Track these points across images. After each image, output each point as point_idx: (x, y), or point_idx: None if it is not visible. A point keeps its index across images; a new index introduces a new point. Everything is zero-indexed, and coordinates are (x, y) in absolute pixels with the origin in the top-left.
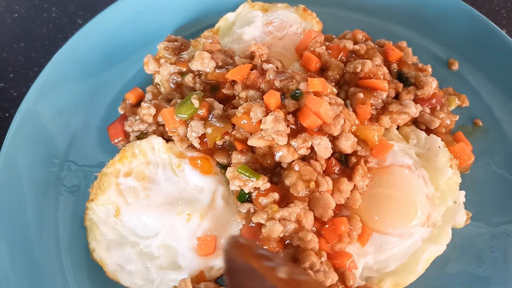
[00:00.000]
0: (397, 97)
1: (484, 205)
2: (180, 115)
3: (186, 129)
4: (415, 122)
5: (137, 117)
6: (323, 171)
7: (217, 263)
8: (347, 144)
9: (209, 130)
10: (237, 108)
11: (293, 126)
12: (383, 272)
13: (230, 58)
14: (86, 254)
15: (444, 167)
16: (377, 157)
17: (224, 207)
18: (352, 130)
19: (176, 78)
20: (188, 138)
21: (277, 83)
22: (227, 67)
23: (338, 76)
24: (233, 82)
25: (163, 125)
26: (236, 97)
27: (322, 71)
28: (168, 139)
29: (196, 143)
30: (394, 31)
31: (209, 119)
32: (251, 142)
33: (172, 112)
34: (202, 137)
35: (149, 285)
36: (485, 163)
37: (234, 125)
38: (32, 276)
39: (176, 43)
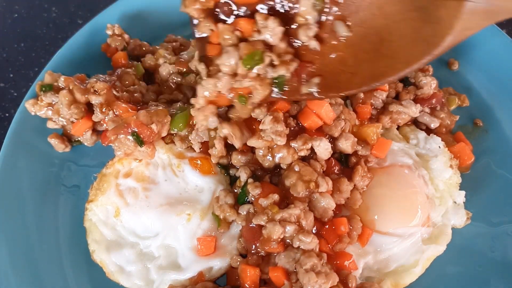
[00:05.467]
0: (397, 97)
1: (484, 205)
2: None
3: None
4: (415, 122)
5: None
6: (323, 171)
7: (217, 263)
8: (347, 144)
9: (212, 133)
10: None
11: (294, 127)
12: (383, 272)
13: None
14: (86, 254)
15: (444, 167)
16: (377, 155)
17: None
18: (353, 130)
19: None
20: (191, 141)
21: None
22: None
23: None
24: None
25: None
26: None
27: None
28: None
29: (196, 148)
30: None
31: None
32: (251, 142)
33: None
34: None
35: (149, 285)
36: (485, 163)
37: None
38: (32, 276)
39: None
